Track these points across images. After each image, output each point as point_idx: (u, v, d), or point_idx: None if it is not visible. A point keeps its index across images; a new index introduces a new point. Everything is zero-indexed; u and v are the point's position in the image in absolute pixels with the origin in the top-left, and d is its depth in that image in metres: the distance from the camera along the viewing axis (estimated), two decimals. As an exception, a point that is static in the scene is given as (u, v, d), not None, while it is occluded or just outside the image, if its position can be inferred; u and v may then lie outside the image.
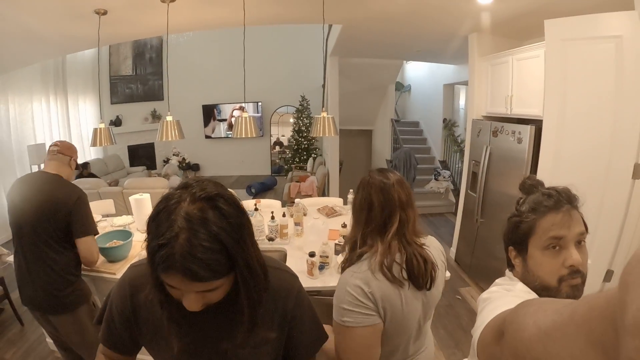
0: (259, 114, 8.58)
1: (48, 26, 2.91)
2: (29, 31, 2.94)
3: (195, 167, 8.81)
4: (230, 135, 8.62)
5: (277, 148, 9.05)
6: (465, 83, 4.75)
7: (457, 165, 5.98)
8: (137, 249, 2.08)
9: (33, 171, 2.28)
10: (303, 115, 8.09)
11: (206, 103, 8.62)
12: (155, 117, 8.24)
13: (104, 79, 7.32)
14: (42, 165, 2.27)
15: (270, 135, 8.95)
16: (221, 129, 8.85)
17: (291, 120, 8.52)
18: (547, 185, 0.85)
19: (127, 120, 7.90)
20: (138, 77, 8.08)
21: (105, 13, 2.61)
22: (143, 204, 2.39)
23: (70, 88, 6.39)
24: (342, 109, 5.61)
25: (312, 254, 1.83)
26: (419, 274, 0.98)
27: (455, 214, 4.73)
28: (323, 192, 5.98)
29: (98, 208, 2.95)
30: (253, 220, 2.21)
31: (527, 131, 2.66)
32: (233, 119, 8.50)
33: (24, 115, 5.21)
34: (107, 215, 2.90)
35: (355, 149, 7.91)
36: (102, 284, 1.93)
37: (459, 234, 3.89)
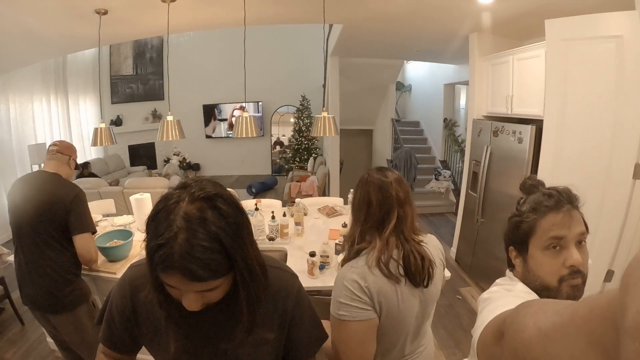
0: (260, 114, 8.58)
1: (48, 26, 2.91)
2: (29, 31, 2.94)
3: (196, 167, 8.81)
4: (230, 135, 8.62)
5: (278, 148, 9.05)
6: (466, 83, 4.75)
7: (457, 165, 5.97)
8: (138, 248, 2.09)
9: (33, 171, 2.28)
10: (303, 115, 8.09)
11: (207, 103, 8.62)
12: (156, 116, 8.25)
13: (104, 79, 7.33)
14: (42, 165, 2.27)
15: (271, 135, 8.95)
16: (222, 128, 8.85)
17: (292, 120, 8.52)
18: (547, 185, 0.85)
19: (127, 120, 7.91)
20: (138, 76, 8.08)
21: (105, 13, 2.61)
22: (143, 203, 2.39)
23: (71, 88, 6.39)
24: (343, 109, 5.61)
25: (312, 254, 1.84)
26: (416, 271, 0.99)
27: (455, 213, 4.73)
28: (323, 191, 5.98)
29: (98, 208, 2.95)
30: (253, 220, 2.21)
31: (528, 131, 2.66)
32: (233, 119, 8.50)
33: (25, 115, 5.21)
34: (108, 215, 2.90)
35: (355, 148, 7.90)
36: (102, 283, 1.93)
37: (459, 234, 3.88)
